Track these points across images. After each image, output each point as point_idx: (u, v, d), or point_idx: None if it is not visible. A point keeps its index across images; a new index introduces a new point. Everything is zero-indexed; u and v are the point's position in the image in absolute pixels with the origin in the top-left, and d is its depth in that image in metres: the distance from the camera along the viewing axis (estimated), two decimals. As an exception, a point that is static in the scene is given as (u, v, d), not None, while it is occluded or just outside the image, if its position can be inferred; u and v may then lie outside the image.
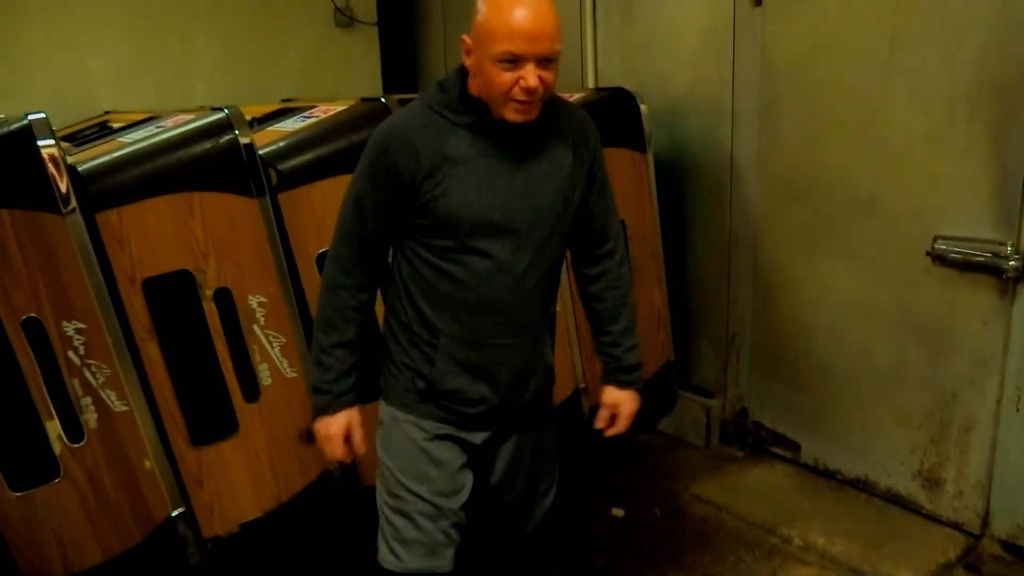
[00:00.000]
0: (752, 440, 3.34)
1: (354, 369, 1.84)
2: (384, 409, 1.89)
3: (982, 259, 2.46)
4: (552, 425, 2.07)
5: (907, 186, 2.63)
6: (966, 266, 2.51)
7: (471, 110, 1.69)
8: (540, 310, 1.83)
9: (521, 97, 1.61)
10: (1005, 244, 2.42)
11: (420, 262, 1.76)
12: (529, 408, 1.91)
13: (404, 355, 1.83)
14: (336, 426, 1.84)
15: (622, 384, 1.98)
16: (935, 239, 2.56)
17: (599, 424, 2.02)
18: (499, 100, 1.63)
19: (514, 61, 1.58)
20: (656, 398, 3.26)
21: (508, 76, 1.59)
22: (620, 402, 1.98)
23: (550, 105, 1.74)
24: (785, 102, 2.93)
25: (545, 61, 1.60)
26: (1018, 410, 2.52)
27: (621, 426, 2.00)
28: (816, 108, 2.83)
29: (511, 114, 1.64)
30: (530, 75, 1.58)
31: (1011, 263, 2.40)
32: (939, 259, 2.56)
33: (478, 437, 1.88)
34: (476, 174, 1.68)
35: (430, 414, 1.83)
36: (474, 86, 1.69)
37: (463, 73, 1.71)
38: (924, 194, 2.59)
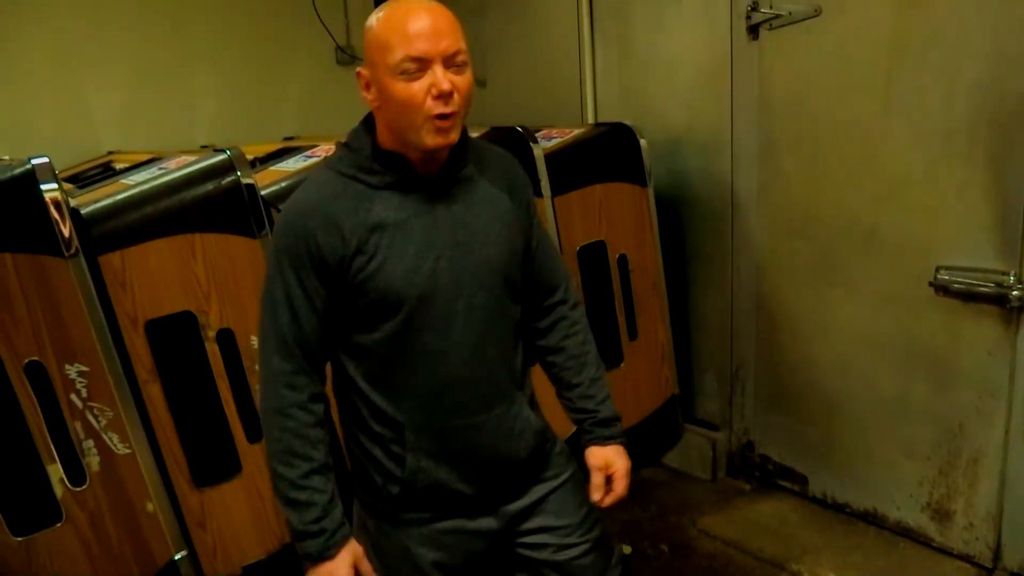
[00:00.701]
0: (759, 473, 3.31)
1: (336, 494, 1.56)
2: (367, 520, 1.68)
3: (985, 289, 2.46)
4: (576, 476, 1.80)
5: (908, 218, 2.63)
6: (969, 296, 2.51)
7: (390, 167, 1.50)
8: (508, 375, 1.64)
9: (438, 109, 1.41)
10: (1008, 274, 2.41)
11: (364, 352, 1.55)
12: (529, 465, 1.70)
13: (368, 460, 1.63)
14: (343, 569, 1.55)
15: (605, 440, 1.76)
16: (938, 269, 2.55)
17: (595, 494, 1.75)
18: (414, 121, 1.43)
19: (418, 68, 1.40)
20: (661, 432, 3.24)
21: (416, 86, 1.40)
22: (611, 460, 1.75)
23: (472, 147, 1.59)
24: (784, 135, 2.94)
25: (453, 65, 1.42)
26: (1026, 441, 2.50)
27: (619, 488, 1.75)
28: (815, 141, 2.84)
29: (431, 137, 1.44)
30: (440, 78, 1.40)
31: (1015, 293, 2.39)
32: (942, 289, 2.55)
33: (484, 523, 1.67)
34: (411, 238, 1.48)
35: (419, 519, 1.63)
36: (386, 134, 1.50)
37: (369, 127, 1.54)
38: (925, 225, 2.59)
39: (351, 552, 1.57)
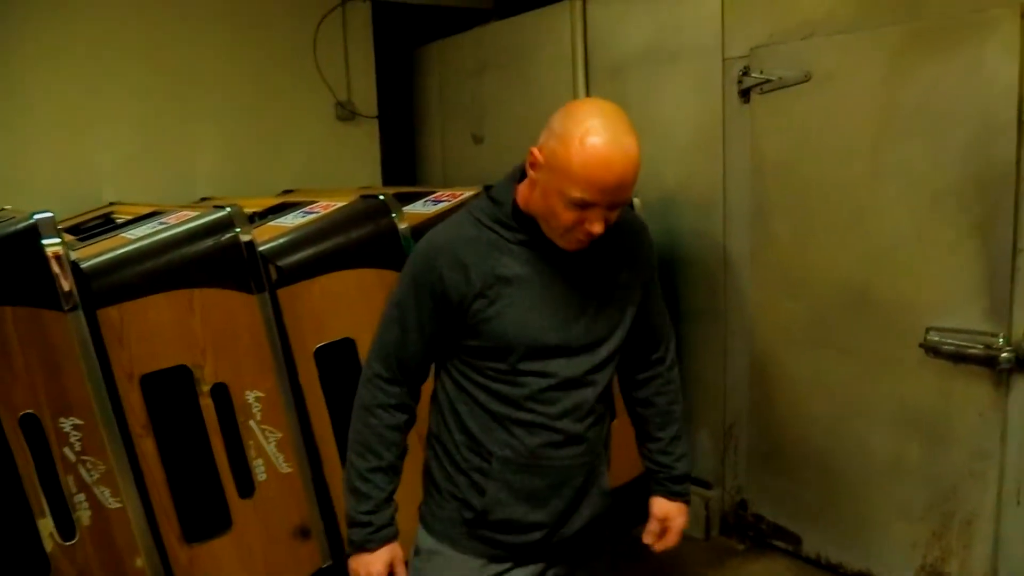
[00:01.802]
0: (753, 533, 3.29)
1: (394, 497, 1.68)
2: (423, 538, 1.74)
3: (975, 351, 2.48)
4: (602, 562, 1.90)
5: (898, 280, 2.66)
6: (960, 358, 2.52)
7: (525, 227, 1.58)
8: (596, 433, 1.70)
9: (581, 237, 1.51)
10: (997, 336, 2.43)
11: (468, 382, 1.64)
12: (581, 539, 1.75)
13: (449, 482, 1.69)
14: (378, 564, 1.65)
15: (672, 495, 1.85)
16: (928, 331, 2.58)
17: (648, 539, 1.87)
18: (557, 232, 1.52)
19: (584, 206, 1.46)
20: (655, 490, 3.22)
21: (573, 216, 1.47)
22: (671, 515, 1.85)
23: None
24: (776, 197, 2.99)
25: (615, 206, 1.49)
26: (1019, 503, 2.49)
27: (671, 540, 1.86)
28: (806, 203, 2.89)
29: (566, 244, 1.54)
30: (597, 222, 1.47)
31: (1004, 355, 2.41)
32: (932, 351, 2.57)
33: (523, 573, 1.71)
34: (530, 295, 1.57)
35: (475, 550, 1.68)
36: (529, 199, 1.57)
37: (514, 182, 1.62)
38: (915, 287, 2.62)
39: (390, 552, 1.66)
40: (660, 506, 1.86)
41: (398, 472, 1.68)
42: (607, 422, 1.76)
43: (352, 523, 1.66)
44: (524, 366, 1.59)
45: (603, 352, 1.66)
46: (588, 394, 1.65)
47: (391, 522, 1.66)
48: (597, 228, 1.48)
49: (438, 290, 1.57)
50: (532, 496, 1.65)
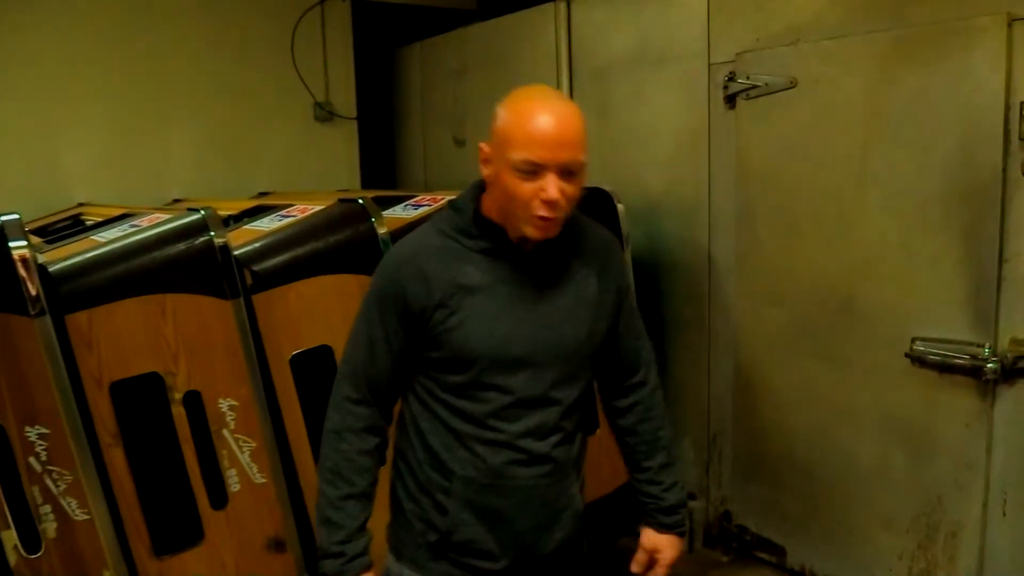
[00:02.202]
0: (737, 544, 3.26)
1: (367, 526, 1.63)
2: (391, 562, 1.70)
3: (961, 361, 2.46)
4: None
5: (883, 288, 2.64)
6: (945, 368, 2.51)
7: (487, 234, 1.57)
8: (565, 450, 1.65)
9: (541, 211, 1.47)
10: (983, 346, 2.42)
11: (431, 398, 1.61)
12: (553, 562, 1.69)
13: (412, 503, 1.65)
14: None
15: (662, 528, 1.78)
16: (913, 340, 2.56)
17: (636, 568, 1.81)
18: (518, 214, 1.50)
19: (534, 170, 1.45)
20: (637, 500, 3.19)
21: (527, 186, 1.46)
22: (661, 548, 1.78)
23: (573, 226, 1.61)
24: (761, 204, 2.97)
25: (567, 172, 1.47)
26: (1005, 514, 2.48)
27: (660, 574, 1.80)
28: (792, 211, 2.87)
29: (531, 231, 1.50)
30: (551, 186, 1.45)
31: (989, 365, 2.39)
32: (918, 361, 2.55)
33: None
34: (493, 303, 1.55)
35: (444, 573, 1.63)
36: (490, 204, 1.56)
37: (477, 192, 1.61)
38: (900, 296, 2.60)
39: None
40: (649, 538, 1.80)
41: (371, 499, 1.63)
42: (578, 441, 1.70)
43: (324, 554, 1.60)
44: (486, 379, 1.55)
45: (569, 367, 1.62)
46: (552, 412, 1.60)
47: (364, 551, 1.61)
48: (552, 193, 1.45)
49: (401, 303, 1.56)
50: (496, 517, 1.61)
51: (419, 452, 1.63)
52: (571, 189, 1.49)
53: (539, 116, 1.46)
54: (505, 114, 1.50)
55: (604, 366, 1.76)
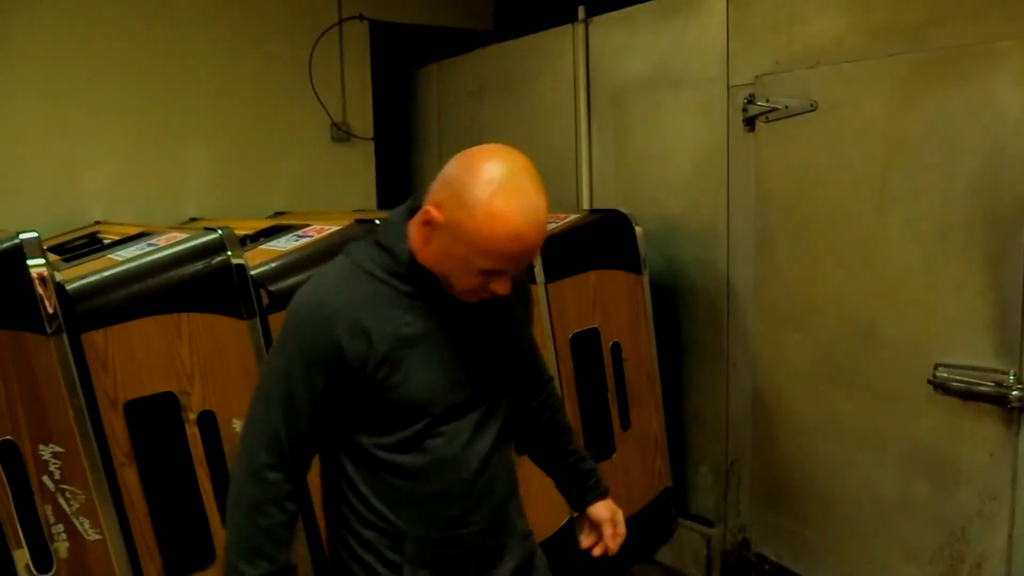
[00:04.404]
0: (755, 573, 3.20)
1: None
2: None
3: (985, 388, 2.42)
4: None
5: (905, 314, 2.60)
6: (969, 395, 2.46)
7: (422, 280, 1.46)
8: (508, 480, 1.64)
9: (485, 296, 1.44)
10: (1008, 373, 2.37)
11: (369, 457, 1.50)
12: None
13: (357, 562, 1.55)
14: None
15: (602, 495, 1.82)
16: (936, 367, 2.52)
17: (610, 543, 1.79)
18: (457, 289, 1.44)
19: (492, 273, 1.40)
20: (654, 526, 3.16)
21: (478, 281, 1.40)
22: (613, 513, 1.81)
23: None
24: (780, 227, 2.94)
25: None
26: (1030, 545, 2.43)
27: (623, 532, 1.81)
28: (812, 235, 2.84)
29: (464, 297, 1.46)
30: (504, 284, 1.41)
31: (1015, 393, 2.35)
32: (941, 388, 2.51)
33: None
34: (436, 352, 1.46)
35: None
36: (424, 253, 1.44)
37: (403, 229, 1.48)
38: (923, 322, 2.56)
39: None
40: (603, 508, 1.81)
41: (290, 570, 1.52)
42: (514, 466, 1.70)
43: None
44: (434, 429, 1.48)
45: (506, 398, 1.61)
46: (497, 447, 1.58)
47: None
48: (503, 290, 1.41)
49: (334, 360, 1.42)
50: (450, 564, 1.56)
51: (360, 511, 1.54)
52: (519, 272, 1.50)
53: (514, 234, 1.33)
54: (473, 208, 1.32)
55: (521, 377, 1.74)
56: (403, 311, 1.45)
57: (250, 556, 1.47)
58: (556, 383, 1.90)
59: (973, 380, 2.44)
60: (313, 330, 1.43)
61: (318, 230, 2.60)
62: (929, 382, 2.53)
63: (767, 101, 2.90)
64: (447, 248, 1.38)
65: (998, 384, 2.39)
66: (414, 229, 1.45)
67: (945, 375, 2.50)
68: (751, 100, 2.96)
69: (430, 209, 1.38)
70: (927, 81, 2.49)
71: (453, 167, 1.40)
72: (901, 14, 2.56)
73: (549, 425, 1.82)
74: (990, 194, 2.38)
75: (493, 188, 1.33)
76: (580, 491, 1.82)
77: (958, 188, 2.44)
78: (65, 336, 1.99)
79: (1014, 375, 2.36)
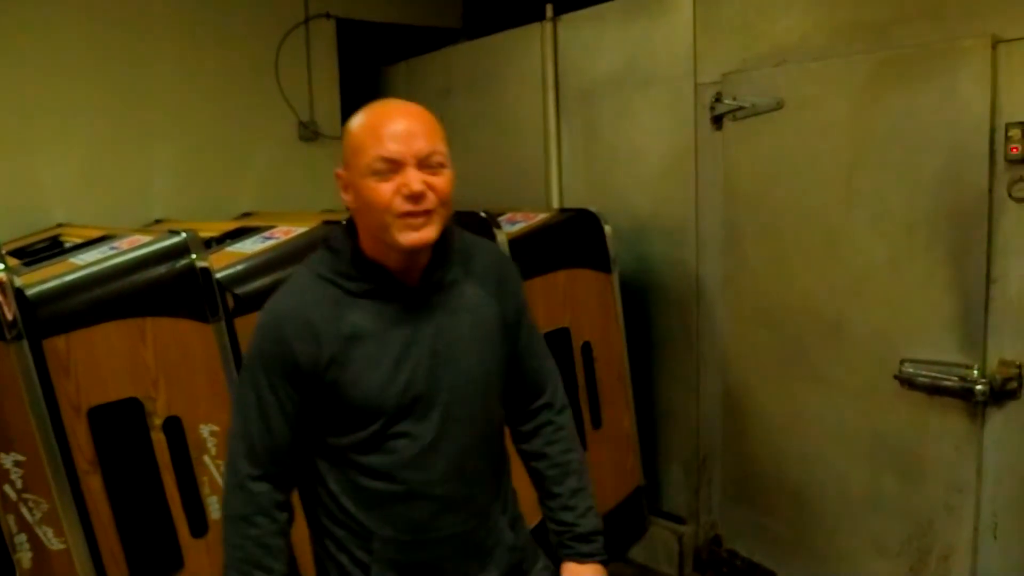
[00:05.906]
0: (727, 569, 3.22)
1: None
2: None
3: (950, 383, 2.45)
4: None
5: (872, 310, 2.63)
6: (935, 390, 2.49)
7: (368, 275, 1.46)
8: (486, 488, 1.59)
9: (407, 207, 1.38)
10: (972, 368, 2.41)
11: (337, 457, 1.50)
12: None
13: (332, 562, 1.56)
14: None
15: (583, 557, 1.66)
16: (902, 362, 2.54)
17: None
18: (386, 220, 1.40)
19: (390, 169, 1.39)
20: (626, 525, 3.16)
21: (386, 186, 1.38)
22: None
23: (460, 247, 1.56)
24: (748, 224, 2.96)
25: (428, 166, 1.41)
26: (996, 537, 2.46)
27: None
28: (779, 232, 2.86)
29: (403, 235, 1.40)
30: (412, 179, 1.38)
31: (979, 387, 2.38)
32: (907, 382, 2.54)
33: None
34: (387, 350, 1.45)
35: None
36: (366, 238, 1.47)
37: (351, 229, 1.51)
38: (889, 318, 2.59)
39: None
40: (571, 572, 1.66)
41: None
42: (503, 475, 1.66)
43: None
44: (393, 429, 1.47)
45: (478, 401, 1.54)
46: (469, 451, 1.53)
47: None
48: (415, 185, 1.38)
49: (290, 364, 1.44)
50: (423, 571, 1.54)
51: (333, 511, 1.53)
52: (438, 182, 1.42)
53: (383, 113, 1.44)
54: (352, 128, 1.46)
55: (508, 390, 1.66)
56: (349, 309, 1.46)
57: (245, 568, 1.48)
58: (568, 416, 1.73)
59: (938, 375, 2.47)
60: (270, 339, 1.47)
61: (285, 232, 2.57)
62: (895, 377, 2.56)
63: (734, 99, 2.91)
64: (355, 183, 1.43)
65: (963, 379, 2.42)
66: (345, 201, 1.50)
67: (911, 370, 2.53)
68: (719, 99, 2.97)
69: (338, 172, 1.49)
70: (891, 79, 2.51)
71: None
72: (865, 13, 2.59)
73: (537, 456, 1.71)
74: (954, 190, 2.40)
75: (364, 108, 1.48)
76: (558, 543, 1.70)
77: (922, 185, 2.47)
78: (26, 342, 1.95)
79: (978, 369, 2.40)
